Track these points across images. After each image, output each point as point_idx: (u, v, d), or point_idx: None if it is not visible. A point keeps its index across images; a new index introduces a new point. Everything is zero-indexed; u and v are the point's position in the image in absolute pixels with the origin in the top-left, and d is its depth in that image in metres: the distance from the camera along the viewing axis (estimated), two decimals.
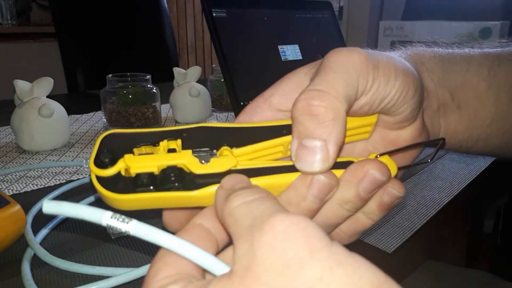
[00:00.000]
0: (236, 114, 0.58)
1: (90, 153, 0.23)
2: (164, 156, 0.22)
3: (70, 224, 0.40)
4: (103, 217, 0.17)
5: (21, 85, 0.59)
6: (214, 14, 0.54)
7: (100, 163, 0.22)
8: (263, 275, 0.15)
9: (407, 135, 0.27)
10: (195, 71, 0.78)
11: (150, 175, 0.21)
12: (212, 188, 0.21)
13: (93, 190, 0.22)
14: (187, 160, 0.22)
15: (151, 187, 0.21)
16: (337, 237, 0.24)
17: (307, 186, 0.21)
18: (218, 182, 0.21)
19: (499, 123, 0.32)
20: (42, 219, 0.39)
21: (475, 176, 0.53)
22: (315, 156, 0.21)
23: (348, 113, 0.23)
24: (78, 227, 0.39)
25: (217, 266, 0.17)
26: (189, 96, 0.75)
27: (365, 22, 2.23)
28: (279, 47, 0.60)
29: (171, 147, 0.23)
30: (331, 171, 0.22)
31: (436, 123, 0.30)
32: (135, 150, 0.23)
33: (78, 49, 1.28)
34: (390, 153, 0.25)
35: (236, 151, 0.23)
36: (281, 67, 0.58)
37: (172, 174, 0.21)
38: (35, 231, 0.36)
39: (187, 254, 0.17)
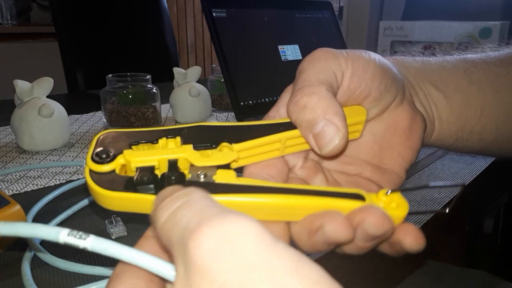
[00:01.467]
0: (236, 114, 0.58)
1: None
2: (165, 150, 0.22)
3: (70, 224, 0.40)
4: (60, 235, 0.16)
5: (21, 85, 0.59)
6: (214, 14, 0.54)
7: (97, 159, 0.21)
8: None
9: (403, 114, 0.28)
10: (195, 71, 0.78)
11: (149, 176, 0.21)
12: None
13: (87, 187, 0.21)
14: (188, 154, 0.22)
15: (146, 190, 0.20)
16: None
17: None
18: (215, 192, 0.20)
19: (491, 114, 0.32)
20: (42, 219, 0.39)
21: (475, 176, 0.53)
22: (329, 133, 0.23)
23: (339, 92, 0.25)
24: (78, 227, 0.39)
25: None
26: (189, 96, 0.75)
27: (365, 22, 2.23)
28: (279, 47, 0.60)
29: (170, 145, 0.23)
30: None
31: (428, 109, 0.31)
32: (133, 147, 0.22)
33: (78, 49, 1.28)
34: (403, 190, 0.23)
35: (235, 146, 0.23)
36: (281, 67, 0.58)
37: (173, 177, 0.20)
38: None
39: (147, 266, 0.16)
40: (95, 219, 0.40)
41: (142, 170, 0.21)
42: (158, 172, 0.21)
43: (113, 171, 0.21)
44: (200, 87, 0.77)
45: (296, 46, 0.62)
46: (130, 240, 0.37)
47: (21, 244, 0.35)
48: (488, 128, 0.32)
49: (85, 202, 0.43)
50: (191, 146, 0.22)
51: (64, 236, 0.16)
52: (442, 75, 0.32)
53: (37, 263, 0.33)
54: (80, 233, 0.16)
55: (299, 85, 0.24)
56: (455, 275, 0.68)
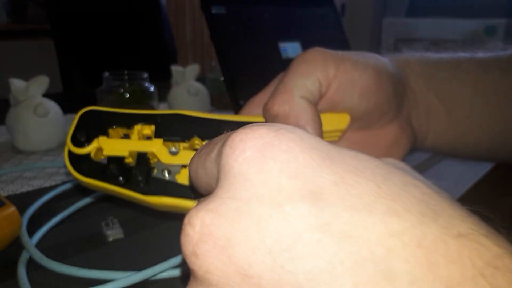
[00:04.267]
0: (236, 113, 0.57)
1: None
2: (136, 142, 0.24)
3: (66, 226, 0.39)
4: None
5: (16, 84, 0.58)
6: (213, 11, 0.53)
7: (76, 140, 0.23)
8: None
9: (389, 132, 0.27)
10: (193, 70, 0.77)
11: (118, 167, 0.23)
12: (164, 199, 0.22)
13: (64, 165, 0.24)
14: (157, 149, 0.23)
15: (114, 180, 0.23)
16: None
17: None
18: (172, 195, 0.22)
19: (489, 128, 0.32)
20: (38, 221, 0.39)
21: (480, 177, 0.52)
22: None
23: (322, 101, 0.25)
24: (75, 229, 0.38)
25: None
26: (187, 95, 0.74)
27: (368, 19, 2.21)
28: (280, 44, 0.59)
29: (145, 131, 0.24)
30: None
31: (424, 126, 0.30)
32: (110, 130, 0.24)
33: (74, 47, 1.27)
34: None
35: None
36: (282, 65, 0.57)
37: (139, 175, 0.23)
38: (31, 233, 0.36)
39: None
40: (92, 221, 0.40)
41: (113, 160, 0.23)
42: (129, 160, 0.24)
43: (89, 154, 0.23)
44: (199, 85, 0.76)
45: (297, 44, 0.61)
46: (127, 243, 0.36)
47: (16, 246, 0.34)
48: (483, 140, 0.32)
49: (81, 203, 0.42)
50: (161, 141, 0.24)
51: None
52: (451, 84, 0.31)
53: (33, 266, 0.32)
54: None
55: (277, 89, 0.24)
56: None
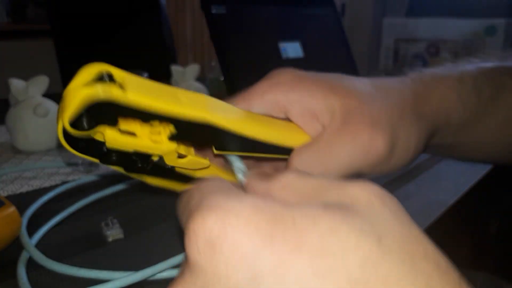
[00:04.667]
0: None
1: None
2: (146, 143, 0.21)
3: (66, 226, 0.39)
4: None
5: (16, 84, 0.58)
6: (213, 11, 0.53)
7: (76, 125, 0.19)
8: None
9: None
10: (193, 70, 0.77)
11: (119, 157, 0.21)
12: (162, 182, 0.23)
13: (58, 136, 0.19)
14: (166, 153, 0.22)
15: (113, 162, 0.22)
16: None
17: None
18: (170, 179, 0.23)
19: (489, 150, 0.31)
20: (37, 221, 0.39)
21: (480, 177, 0.52)
22: None
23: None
24: (74, 229, 0.38)
25: None
26: None
27: (368, 19, 2.20)
28: (280, 44, 0.59)
29: (161, 131, 0.21)
30: None
31: (421, 150, 0.30)
32: (120, 120, 0.20)
33: (74, 47, 1.27)
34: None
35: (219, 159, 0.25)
36: (282, 65, 0.57)
37: (137, 162, 0.22)
38: (31, 233, 0.36)
39: None
40: (91, 221, 0.40)
41: (115, 153, 0.21)
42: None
43: (89, 135, 0.20)
44: (199, 85, 0.76)
45: (297, 44, 0.61)
46: (127, 243, 0.36)
47: (16, 246, 0.34)
48: (481, 156, 0.32)
49: (81, 203, 0.42)
50: (174, 146, 0.21)
51: None
52: (477, 130, 0.29)
53: (32, 266, 0.32)
54: None
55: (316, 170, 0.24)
56: None
